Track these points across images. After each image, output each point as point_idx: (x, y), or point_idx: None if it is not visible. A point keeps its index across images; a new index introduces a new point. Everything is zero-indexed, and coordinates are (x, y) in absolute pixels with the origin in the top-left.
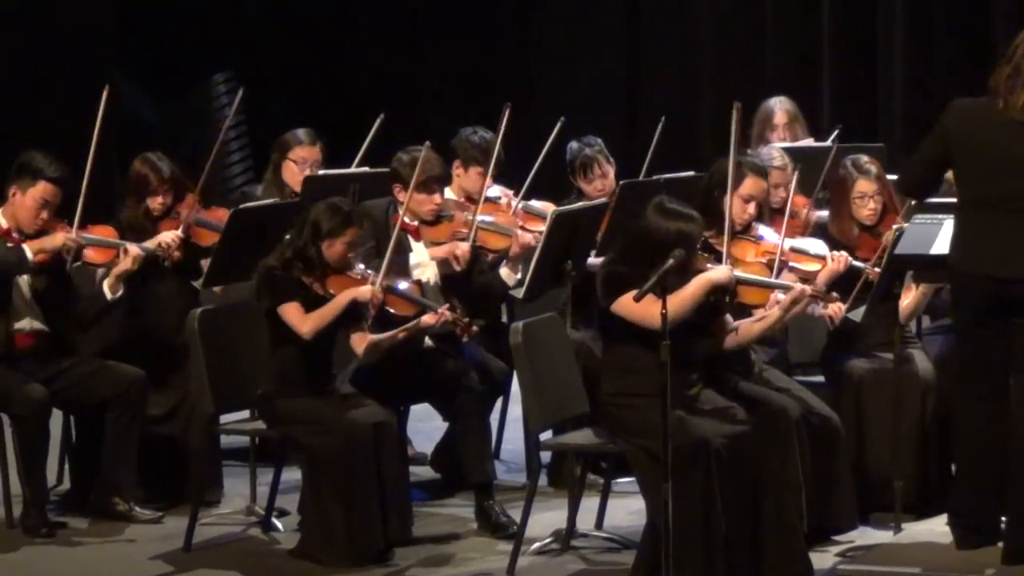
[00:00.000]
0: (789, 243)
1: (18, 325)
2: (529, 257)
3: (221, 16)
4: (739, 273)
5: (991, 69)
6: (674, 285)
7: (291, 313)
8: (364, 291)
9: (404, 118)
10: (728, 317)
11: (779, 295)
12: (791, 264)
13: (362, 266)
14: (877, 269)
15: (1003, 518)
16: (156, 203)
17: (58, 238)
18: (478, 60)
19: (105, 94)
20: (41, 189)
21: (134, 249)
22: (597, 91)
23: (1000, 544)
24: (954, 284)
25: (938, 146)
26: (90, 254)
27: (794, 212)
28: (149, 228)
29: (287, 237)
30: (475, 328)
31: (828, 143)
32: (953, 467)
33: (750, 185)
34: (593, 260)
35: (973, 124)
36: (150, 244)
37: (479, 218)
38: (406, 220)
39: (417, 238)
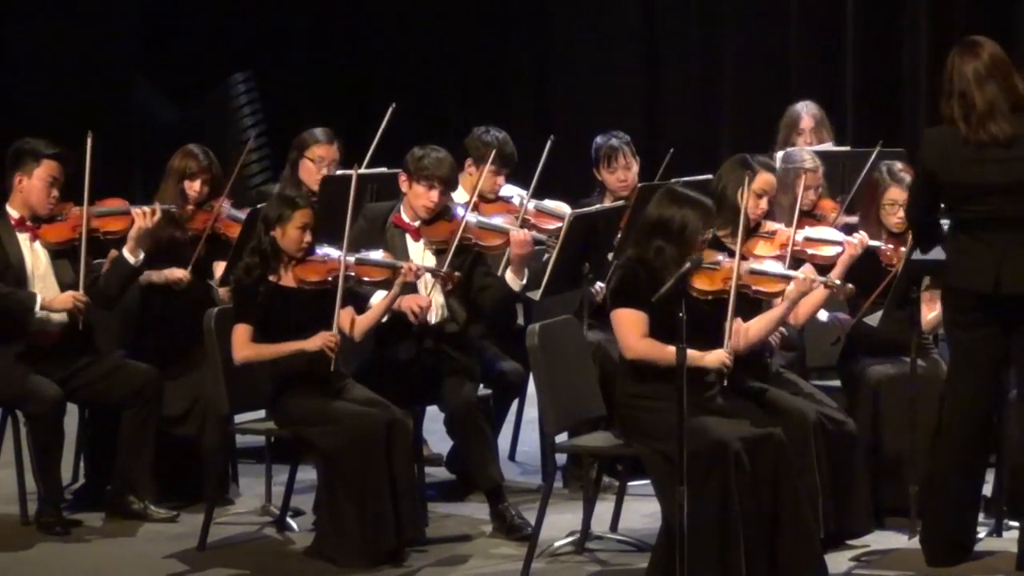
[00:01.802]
0: (802, 233)
1: (40, 315)
2: (537, 261)
3: (239, 16)
4: (753, 264)
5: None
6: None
7: (237, 333)
8: (314, 342)
9: (422, 116)
10: (739, 320)
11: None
12: (809, 252)
13: (325, 249)
14: (899, 254)
15: (980, 530)
16: (193, 188)
17: (67, 300)
18: (497, 60)
19: (89, 141)
20: (46, 167)
21: (148, 208)
22: (615, 93)
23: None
24: (946, 298)
25: (923, 178)
26: (107, 225)
27: (822, 216)
28: (182, 213)
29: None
30: (457, 275)
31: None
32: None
33: (761, 180)
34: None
35: (945, 153)
36: (156, 278)
37: (476, 218)
38: (405, 220)
39: (416, 238)
